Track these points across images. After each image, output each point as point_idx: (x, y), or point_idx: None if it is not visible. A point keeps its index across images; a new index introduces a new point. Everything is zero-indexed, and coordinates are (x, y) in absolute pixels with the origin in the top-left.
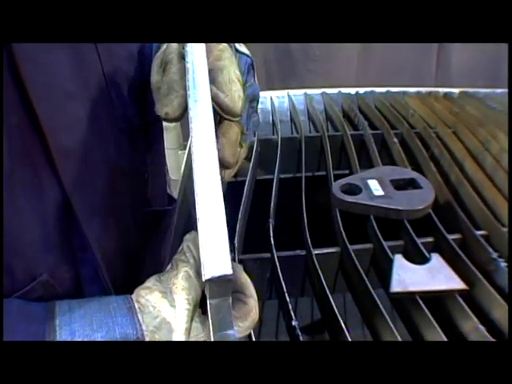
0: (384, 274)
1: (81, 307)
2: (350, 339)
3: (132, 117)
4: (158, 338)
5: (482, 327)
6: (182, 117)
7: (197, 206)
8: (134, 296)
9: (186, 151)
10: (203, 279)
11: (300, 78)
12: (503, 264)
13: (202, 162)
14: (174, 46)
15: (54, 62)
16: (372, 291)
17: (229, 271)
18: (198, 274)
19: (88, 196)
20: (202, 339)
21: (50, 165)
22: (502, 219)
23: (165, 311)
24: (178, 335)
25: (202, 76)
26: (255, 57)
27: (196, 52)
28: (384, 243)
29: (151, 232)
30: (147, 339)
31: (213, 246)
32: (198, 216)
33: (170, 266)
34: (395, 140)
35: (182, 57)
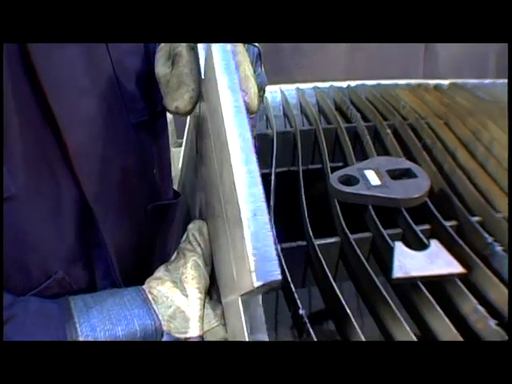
0: (384, 261)
1: (96, 302)
2: (356, 326)
3: (141, 111)
4: (173, 326)
5: (481, 308)
6: (193, 111)
7: (241, 209)
8: (145, 287)
9: (182, 149)
10: (254, 285)
11: (289, 72)
12: (498, 248)
13: (244, 166)
14: None
15: (68, 59)
16: (375, 278)
17: (279, 276)
18: (206, 262)
19: (103, 192)
20: (214, 325)
21: (65, 161)
22: (495, 205)
23: (178, 300)
24: (194, 323)
25: (231, 74)
26: None
27: (220, 49)
28: (383, 231)
29: (159, 225)
30: (164, 328)
31: (262, 251)
32: (242, 216)
33: (175, 255)
34: (388, 131)
35: (191, 48)
